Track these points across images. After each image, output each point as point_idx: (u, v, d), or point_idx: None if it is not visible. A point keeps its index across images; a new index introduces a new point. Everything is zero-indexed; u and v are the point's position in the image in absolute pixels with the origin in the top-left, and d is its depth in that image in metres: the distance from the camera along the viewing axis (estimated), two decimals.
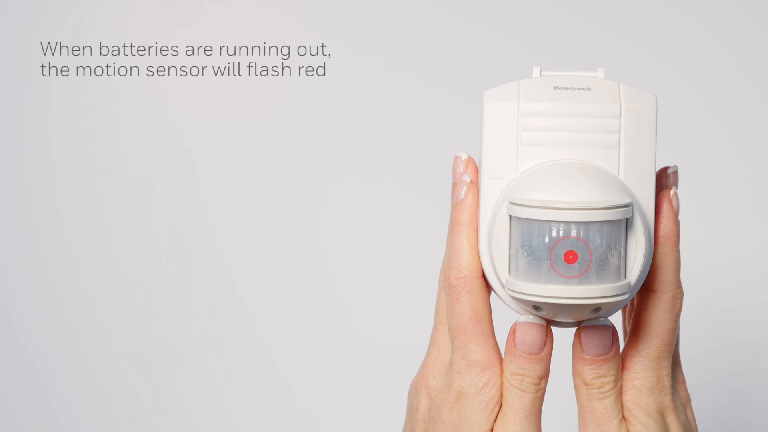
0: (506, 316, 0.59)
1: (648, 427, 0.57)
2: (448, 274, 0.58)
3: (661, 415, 0.57)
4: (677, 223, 0.57)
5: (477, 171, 0.58)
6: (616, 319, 0.58)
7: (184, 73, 1.06)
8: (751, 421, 0.96)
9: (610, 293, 0.53)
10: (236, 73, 1.05)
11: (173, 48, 1.07)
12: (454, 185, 0.59)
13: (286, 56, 1.05)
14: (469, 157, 0.59)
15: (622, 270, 0.54)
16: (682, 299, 0.57)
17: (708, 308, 0.93)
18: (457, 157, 0.59)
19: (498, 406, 0.57)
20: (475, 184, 0.58)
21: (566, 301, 0.53)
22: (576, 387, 0.57)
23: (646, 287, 0.57)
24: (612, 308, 0.55)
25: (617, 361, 0.56)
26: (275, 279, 1.05)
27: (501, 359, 0.57)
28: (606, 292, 0.53)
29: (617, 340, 0.56)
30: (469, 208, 0.58)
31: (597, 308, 0.54)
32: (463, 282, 0.57)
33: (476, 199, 0.58)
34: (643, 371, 0.57)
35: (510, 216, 0.54)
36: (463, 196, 0.58)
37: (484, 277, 0.58)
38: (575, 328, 0.57)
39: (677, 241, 0.58)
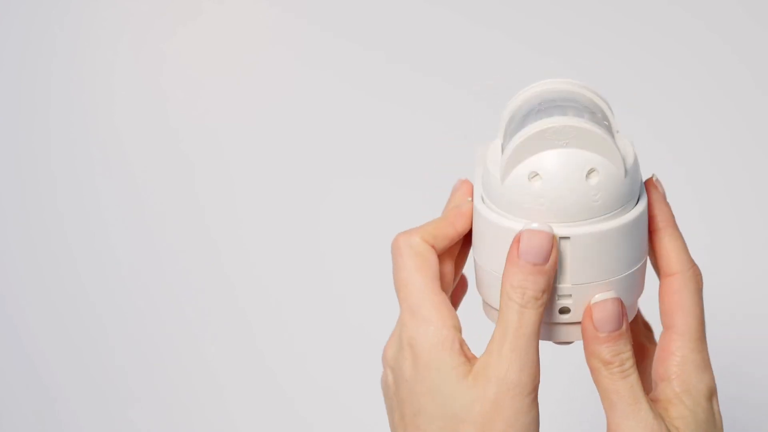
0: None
1: (696, 415, 0.56)
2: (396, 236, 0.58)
3: (710, 399, 0.57)
4: (669, 205, 0.58)
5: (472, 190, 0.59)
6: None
7: (184, 74, 1.06)
8: (751, 423, 0.96)
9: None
10: (236, 72, 1.05)
11: (173, 48, 1.07)
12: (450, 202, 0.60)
13: (286, 56, 1.05)
14: (466, 179, 0.60)
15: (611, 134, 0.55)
16: (701, 275, 0.58)
17: (708, 309, 0.93)
18: (460, 183, 0.61)
19: (456, 342, 0.55)
20: (469, 183, 0.59)
21: (568, 124, 0.53)
22: (595, 371, 0.55)
23: (666, 272, 0.57)
24: (609, 176, 0.54)
25: (629, 336, 0.55)
26: (275, 280, 1.05)
27: (447, 306, 0.56)
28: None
29: (626, 314, 0.56)
30: (463, 193, 0.59)
31: (592, 170, 0.54)
32: (409, 239, 0.57)
33: (471, 210, 0.58)
34: (690, 354, 0.57)
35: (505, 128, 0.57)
36: (456, 185, 0.60)
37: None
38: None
39: (675, 222, 0.58)
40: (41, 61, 1.09)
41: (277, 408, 1.05)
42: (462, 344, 0.56)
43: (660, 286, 0.58)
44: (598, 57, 0.99)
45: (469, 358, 0.55)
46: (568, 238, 0.54)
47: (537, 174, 0.54)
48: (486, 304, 0.58)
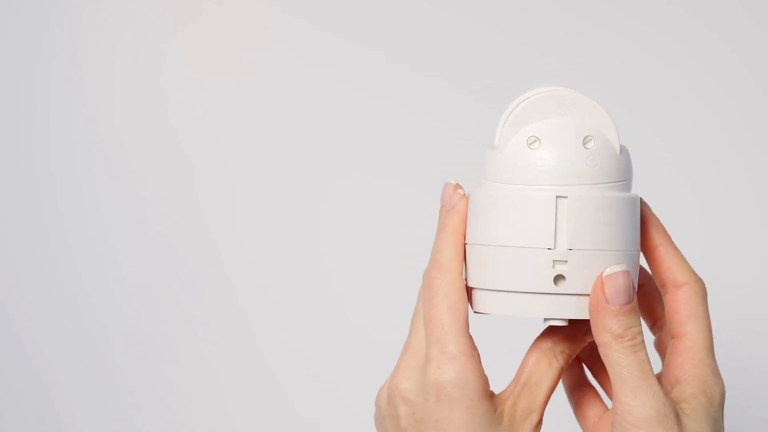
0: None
1: (708, 411, 0.56)
2: (428, 271, 0.58)
3: (721, 405, 0.57)
4: (659, 221, 0.60)
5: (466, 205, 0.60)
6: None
7: (184, 74, 1.06)
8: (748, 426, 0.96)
9: None
10: (236, 72, 1.05)
11: (173, 48, 1.07)
12: (443, 206, 0.60)
13: (286, 56, 1.05)
14: (457, 183, 0.60)
15: None
16: (705, 285, 0.59)
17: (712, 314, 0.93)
18: (447, 184, 0.60)
19: (486, 393, 0.57)
20: (467, 198, 0.59)
21: (565, 92, 0.56)
22: (605, 345, 0.55)
23: (675, 283, 0.58)
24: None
25: (638, 311, 0.56)
26: (275, 280, 1.05)
27: (477, 351, 0.57)
28: None
29: (635, 288, 0.56)
30: (458, 214, 0.59)
31: (588, 136, 0.56)
32: (443, 274, 0.58)
33: (466, 209, 0.59)
34: (706, 359, 0.57)
35: None
36: (455, 203, 0.59)
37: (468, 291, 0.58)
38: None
39: (670, 237, 0.60)
40: (41, 61, 1.09)
41: (277, 408, 1.05)
42: (484, 394, 0.57)
43: (668, 297, 0.59)
44: (598, 57, 0.99)
45: (496, 405, 0.57)
46: (565, 197, 0.55)
47: (536, 138, 0.56)
48: (483, 292, 0.58)
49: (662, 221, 0.61)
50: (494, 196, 0.56)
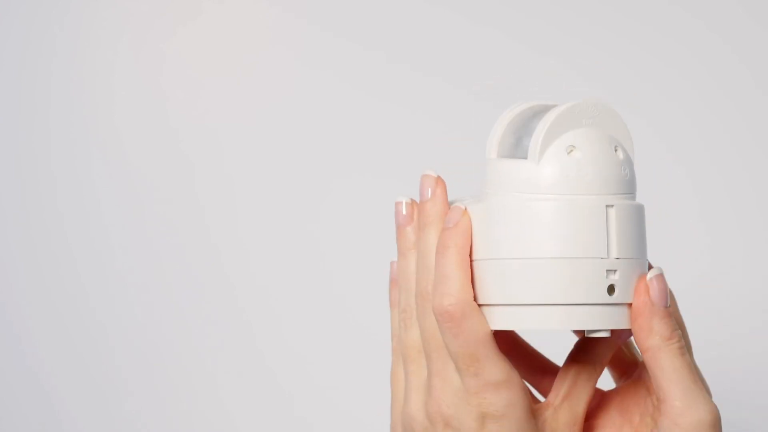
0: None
1: (711, 407, 0.56)
2: (440, 302, 0.55)
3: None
4: None
5: (445, 190, 0.58)
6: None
7: (184, 74, 1.06)
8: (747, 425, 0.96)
9: None
10: (236, 72, 1.05)
11: (173, 48, 1.07)
12: (423, 204, 0.59)
13: (286, 56, 1.05)
14: (438, 177, 0.59)
15: None
16: None
17: (708, 308, 0.93)
18: (426, 176, 0.59)
19: (532, 412, 0.56)
20: (467, 213, 0.57)
21: (594, 102, 0.55)
22: (654, 349, 0.54)
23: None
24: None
25: None
26: (275, 280, 1.05)
27: (515, 371, 0.56)
28: None
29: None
30: (465, 233, 0.56)
31: (617, 146, 0.55)
32: (461, 306, 0.55)
33: (469, 223, 0.56)
34: (693, 362, 0.57)
35: None
36: (457, 220, 0.57)
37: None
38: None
39: None
40: (41, 61, 1.09)
41: (277, 408, 1.05)
42: (531, 415, 0.56)
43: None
44: (598, 57, 0.99)
45: (537, 418, 0.56)
46: (612, 206, 0.54)
47: (574, 147, 0.55)
48: (518, 308, 0.55)
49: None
50: (533, 208, 0.54)
